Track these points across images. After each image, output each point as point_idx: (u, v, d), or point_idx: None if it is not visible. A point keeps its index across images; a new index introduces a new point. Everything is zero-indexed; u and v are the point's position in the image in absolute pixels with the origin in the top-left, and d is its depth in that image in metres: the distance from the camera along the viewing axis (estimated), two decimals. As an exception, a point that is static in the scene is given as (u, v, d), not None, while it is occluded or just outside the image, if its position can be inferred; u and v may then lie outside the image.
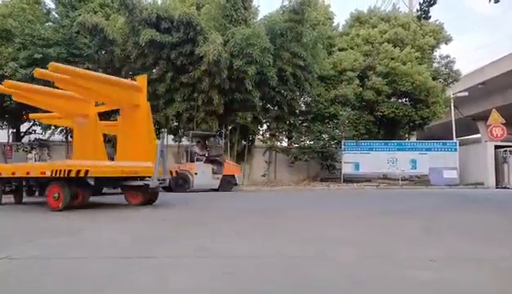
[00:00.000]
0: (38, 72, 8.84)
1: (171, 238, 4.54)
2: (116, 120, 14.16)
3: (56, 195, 7.91)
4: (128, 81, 10.93)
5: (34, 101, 11.16)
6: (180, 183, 15.36)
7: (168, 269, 3.00)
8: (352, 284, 2.62)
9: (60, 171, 7.65)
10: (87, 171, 7.81)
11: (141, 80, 9.77)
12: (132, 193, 9.19)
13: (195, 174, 15.59)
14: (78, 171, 7.71)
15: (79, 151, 11.18)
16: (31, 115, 15.20)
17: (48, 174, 7.74)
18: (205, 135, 17.83)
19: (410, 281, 2.69)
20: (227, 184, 16.08)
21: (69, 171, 7.65)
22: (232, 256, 3.47)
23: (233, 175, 16.37)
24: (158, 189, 9.07)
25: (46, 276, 2.88)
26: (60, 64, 10.04)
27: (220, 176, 15.91)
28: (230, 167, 16.44)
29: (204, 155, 16.25)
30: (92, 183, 8.16)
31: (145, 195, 9.07)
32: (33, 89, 11.06)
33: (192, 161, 15.90)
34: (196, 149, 16.23)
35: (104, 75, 10.57)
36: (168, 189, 14.21)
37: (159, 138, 16.41)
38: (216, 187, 15.86)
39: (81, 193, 8.37)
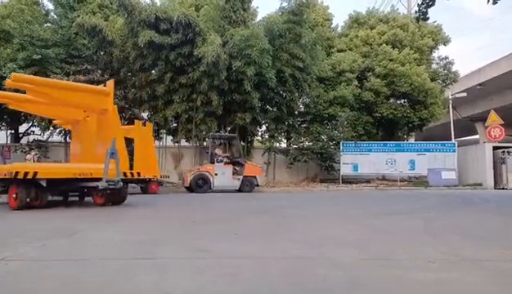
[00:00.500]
0: (8, 81, 9.26)
1: (171, 239, 4.54)
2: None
3: (15, 196, 8.23)
4: (96, 87, 11.47)
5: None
6: (200, 184, 15.76)
7: (168, 271, 3.00)
8: (352, 285, 2.63)
9: (7, 173, 8.07)
10: (35, 173, 8.12)
11: (109, 85, 9.91)
12: (98, 194, 9.38)
13: (215, 175, 15.77)
14: (26, 173, 8.03)
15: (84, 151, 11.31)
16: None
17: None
18: (226, 136, 18.15)
19: (411, 282, 2.70)
20: (248, 185, 16.11)
21: (17, 172, 7.96)
22: (233, 257, 3.48)
23: (254, 176, 16.34)
24: (124, 191, 9.51)
25: (44, 278, 2.87)
26: (22, 75, 11.09)
27: (241, 177, 15.97)
28: (251, 167, 16.46)
29: (227, 157, 16.44)
30: (43, 184, 8.33)
31: (110, 196, 9.29)
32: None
33: (212, 162, 16.04)
34: (218, 151, 16.47)
35: (70, 83, 11.31)
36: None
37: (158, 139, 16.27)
38: (237, 188, 15.93)
39: (39, 194, 8.53)
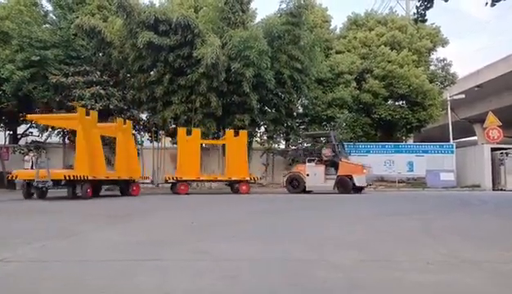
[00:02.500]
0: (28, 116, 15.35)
1: (171, 240, 4.54)
2: (113, 122, 15.66)
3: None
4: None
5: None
6: (294, 184, 15.70)
7: (168, 272, 3.00)
8: (352, 287, 2.64)
9: None
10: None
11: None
12: None
13: (307, 175, 15.46)
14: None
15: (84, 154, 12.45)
16: (29, 116, 15.51)
17: None
18: (319, 134, 17.95)
19: (410, 284, 2.71)
20: (344, 185, 15.14)
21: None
22: (233, 259, 3.48)
23: (350, 176, 15.21)
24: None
25: (44, 279, 2.87)
26: (33, 115, 15.42)
27: (335, 177, 15.25)
28: (346, 166, 15.39)
29: (325, 156, 15.88)
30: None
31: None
32: (46, 117, 16.39)
33: (307, 162, 15.90)
34: (327, 151, 16.00)
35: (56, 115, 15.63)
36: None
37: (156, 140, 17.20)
38: (330, 189, 15.27)
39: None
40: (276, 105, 19.87)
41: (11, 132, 22.45)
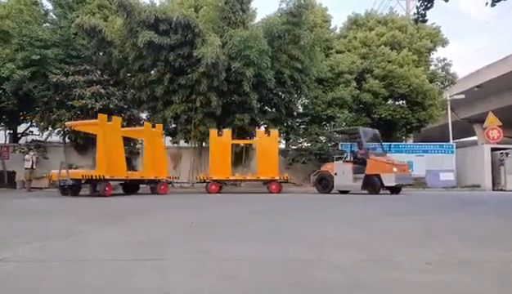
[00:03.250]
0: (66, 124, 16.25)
1: (170, 240, 4.54)
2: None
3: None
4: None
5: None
6: (324, 184, 15.33)
7: (168, 272, 3.00)
8: (352, 287, 2.64)
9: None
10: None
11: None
12: None
13: (335, 174, 14.94)
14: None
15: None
16: (68, 123, 16.25)
17: None
18: (348, 131, 17.44)
19: (410, 284, 2.71)
20: (372, 185, 14.07)
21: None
22: (232, 259, 3.49)
23: (378, 175, 13.99)
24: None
25: (44, 279, 2.87)
26: (72, 122, 15.80)
27: (362, 176, 14.27)
28: (373, 164, 14.16)
29: (360, 154, 15.16)
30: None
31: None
32: (78, 124, 15.99)
33: (335, 160, 15.57)
34: (358, 148, 15.31)
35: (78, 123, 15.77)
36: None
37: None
38: (358, 189, 14.49)
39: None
40: (276, 105, 19.89)
41: (12, 131, 22.47)
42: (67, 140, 20.66)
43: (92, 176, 12.86)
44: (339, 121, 21.02)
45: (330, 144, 21.52)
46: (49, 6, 21.98)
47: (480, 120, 28.29)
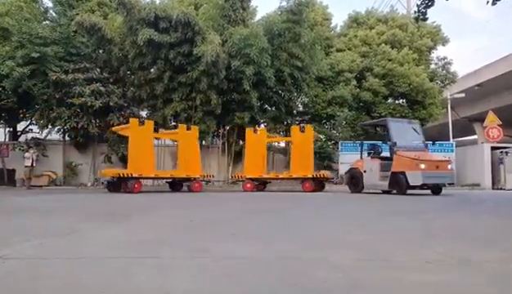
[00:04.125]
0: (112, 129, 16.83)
1: (170, 238, 4.54)
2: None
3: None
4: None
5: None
6: (354, 182, 14.20)
7: (168, 271, 3.00)
8: (352, 287, 2.64)
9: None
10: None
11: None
12: None
13: (364, 172, 13.74)
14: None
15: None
16: (114, 128, 16.72)
17: None
18: (374, 124, 16.39)
19: (410, 284, 2.71)
20: (398, 184, 12.51)
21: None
22: (232, 258, 3.48)
23: (403, 173, 12.36)
24: None
25: (43, 277, 2.87)
26: (117, 127, 16.38)
27: (388, 174, 12.80)
28: (399, 160, 12.55)
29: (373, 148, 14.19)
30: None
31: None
32: (122, 128, 16.38)
33: (366, 155, 14.42)
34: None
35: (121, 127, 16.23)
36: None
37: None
38: (385, 188, 13.19)
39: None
40: (276, 103, 19.88)
41: (11, 129, 22.45)
42: (67, 138, 20.65)
43: (122, 174, 14.22)
44: (339, 119, 21.02)
45: (329, 143, 21.54)
46: (49, 4, 21.99)
47: (480, 119, 28.29)
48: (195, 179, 15.79)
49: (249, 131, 17.21)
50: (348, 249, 3.89)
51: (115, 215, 7.38)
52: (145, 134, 14.91)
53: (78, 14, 18.89)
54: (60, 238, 4.51)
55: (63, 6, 20.75)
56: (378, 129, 16.24)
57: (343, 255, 3.60)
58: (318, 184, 15.87)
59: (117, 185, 14.40)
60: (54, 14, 21.69)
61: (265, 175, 16.69)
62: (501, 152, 20.21)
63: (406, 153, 12.66)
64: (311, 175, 15.70)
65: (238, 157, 19.92)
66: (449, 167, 13.04)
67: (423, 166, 12.21)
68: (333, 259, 3.44)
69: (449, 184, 13.63)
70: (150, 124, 15.33)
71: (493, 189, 19.57)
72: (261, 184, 16.77)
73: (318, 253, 3.75)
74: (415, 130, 14.05)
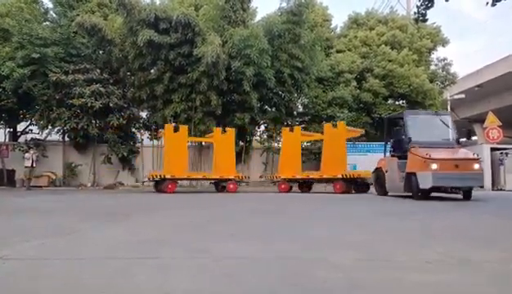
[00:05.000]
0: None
1: (170, 239, 4.54)
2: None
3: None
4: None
5: None
6: (379, 183, 13.15)
7: (167, 271, 3.00)
8: (352, 287, 2.64)
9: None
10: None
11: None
12: None
13: (386, 172, 12.58)
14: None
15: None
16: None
17: None
18: (395, 117, 14.22)
19: (410, 284, 2.71)
20: (411, 187, 11.10)
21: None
22: (232, 258, 3.48)
23: (414, 174, 10.88)
24: None
25: (43, 277, 2.87)
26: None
27: (403, 175, 11.46)
28: (412, 159, 11.15)
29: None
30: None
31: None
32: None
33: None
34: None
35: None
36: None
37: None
38: (401, 191, 11.79)
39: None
40: (276, 104, 19.87)
41: (11, 130, 22.44)
42: (66, 138, 20.65)
43: (156, 176, 15.36)
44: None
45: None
46: (49, 5, 21.97)
47: (480, 120, 28.30)
48: (229, 180, 16.06)
49: (285, 130, 17.11)
50: (347, 249, 3.89)
51: (113, 216, 7.38)
52: (179, 139, 15.77)
53: (78, 15, 18.89)
54: (61, 239, 4.51)
55: (63, 6, 20.76)
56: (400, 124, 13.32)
57: (343, 255, 3.60)
58: (351, 186, 14.99)
59: (162, 185, 15.41)
60: (54, 15, 21.70)
61: (298, 176, 16.00)
62: (501, 153, 20.21)
63: (421, 150, 11.05)
64: (341, 176, 14.86)
65: (238, 157, 19.89)
66: (475, 166, 10.83)
67: (434, 166, 10.52)
68: (332, 259, 3.44)
69: (480, 187, 12.04)
70: (184, 129, 16.18)
71: (493, 189, 19.57)
72: (302, 185, 16.22)
73: (318, 253, 3.76)
74: (444, 122, 11.99)
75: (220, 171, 16.13)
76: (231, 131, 16.77)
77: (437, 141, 11.73)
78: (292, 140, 16.61)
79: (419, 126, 12.05)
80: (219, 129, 16.80)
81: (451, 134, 12.11)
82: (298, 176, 16.21)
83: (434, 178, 10.40)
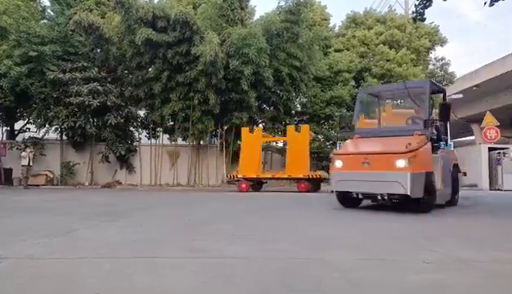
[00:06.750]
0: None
1: (167, 238, 4.52)
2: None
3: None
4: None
5: None
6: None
7: (164, 271, 2.98)
8: (350, 286, 2.63)
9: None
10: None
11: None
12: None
13: None
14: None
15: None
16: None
17: None
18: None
19: (408, 284, 2.70)
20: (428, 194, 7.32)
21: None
22: (229, 257, 3.47)
23: (424, 173, 7.16)
24: None
25: (40, 277, 2.85)
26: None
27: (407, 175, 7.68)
28: (420, 157, 7.03)
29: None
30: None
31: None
32: None
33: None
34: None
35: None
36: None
37: (154, 137, 17.82)
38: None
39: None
40: (274, 103, 19.85)
41: (8, 128, 22.34)
42: (64, 137, 20.58)
43: (231, 176, 16.44)
44: (338, 120, 21.01)
45: (328, 143, 21.53)
46: (46, 3, 21.85)
47: (478, 119, 28.33)
48: (301, 179, 15.79)
49: (244, 130, 17.08)
50: (345, 248, 3.88)
51: (111, 215, 7.35)
52: (254, 140, 16.43)
53: (75, 13, 18.78)
54: (57, 238, 4.48)
55: (61, 4, 20.64)
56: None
57: (341, 254, 3.59)
58: (314, 185, 15.92)
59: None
60: (52, 13, 21.57)
61: (260, 175, 16.62)
62: (499, 153, 20.28)
63: (351, 142, 8.61)
64: (306, 176, 15.77)
65: (236, 156, 19.86)
66: (398, 163, 7.06)
67: (338, 163, 7.96)
68: (329, 258, 3.43)
69: (401, 196, 7.33)
70: (258, 131, 17.05)
71: (491, 189, 19.62)
72: (257, 184, 16.76)
73: (315, 253, 3.74)
74: (412, 99, 8.73)
75: (291, 171, 16.02)
76: (305, 128, 16.64)
77: (392, 127, 8.74)
78: (252, 140, 16.78)
79: (374, 107, 9.46)
80: (292, 128, 16.76)
81: (420, 113, 8.14)
82: (260, 176, 16.58)
83: (337, 180, 7.94)
